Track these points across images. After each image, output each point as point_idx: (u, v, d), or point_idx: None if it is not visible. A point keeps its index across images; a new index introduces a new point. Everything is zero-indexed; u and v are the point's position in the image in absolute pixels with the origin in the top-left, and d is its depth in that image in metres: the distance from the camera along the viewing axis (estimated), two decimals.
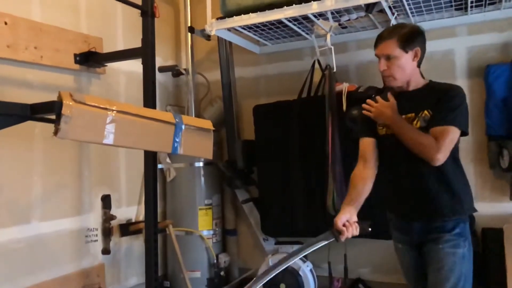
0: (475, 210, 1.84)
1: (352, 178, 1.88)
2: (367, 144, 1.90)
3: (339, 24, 2.94)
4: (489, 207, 2.80)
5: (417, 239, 1.84)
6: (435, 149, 1.67)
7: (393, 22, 2.80)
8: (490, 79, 2.72)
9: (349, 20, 2.85)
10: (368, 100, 1.88)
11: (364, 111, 1.89)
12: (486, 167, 2.80)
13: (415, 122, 1.78)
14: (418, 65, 1.85)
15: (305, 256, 3.05)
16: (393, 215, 1.95)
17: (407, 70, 1.79)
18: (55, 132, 1.71)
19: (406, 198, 1.84)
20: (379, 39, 1.83)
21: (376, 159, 1.89)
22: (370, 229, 1.76)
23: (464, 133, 1.77)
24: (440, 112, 1.73)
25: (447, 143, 1.68)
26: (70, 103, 1.73)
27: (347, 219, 1.71)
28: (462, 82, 2.90)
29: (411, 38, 1.78)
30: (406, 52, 1.77)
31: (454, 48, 2.96)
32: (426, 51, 3.03)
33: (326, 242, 1.73)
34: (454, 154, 1.77)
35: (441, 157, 1.67)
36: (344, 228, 1.68)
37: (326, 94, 2.81)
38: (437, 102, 1.75)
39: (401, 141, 1.76)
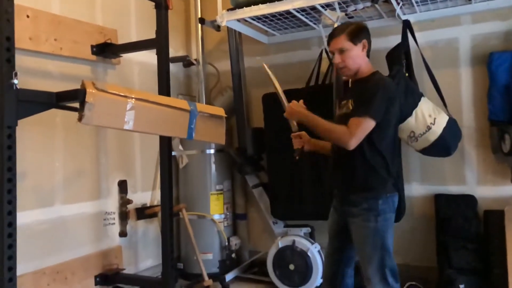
0: (389, 192, 2.01)
1: None
2: None
3: (346, 14, 3.01)
4: (491, 190, 2.90)
5: (340, 208, 2.11)
6: (348, 136, 1.91)
7: (398, 11, 2.88)
8: (493, 66, 2.80)
9: (355, 10, 2.93)
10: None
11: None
12: (488, 152, 2.89)
13: (344, 108, 2.06)
14: (368, 56, 2.10)
15: (313, 238, 3.19)
16: None
17: (357, 60, 2.05)
18: (80, 119, 1.83)
19: (334, 172, 2.15)
20: (331, 37, 2.10)
21: None
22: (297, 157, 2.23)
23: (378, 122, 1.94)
24: (357, 105, 1.97)
25: (359, 131, 1.91)
26: (93, 91, 1.85)
27: (305, 136, 2.23)
28: (465, 69, 2.99)
29: (358, 32, 2.06)
30: (355, 44, 2.04)
31: (459, 36, 3.03)
32: (431, 39, 3.13)
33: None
34: (372, 141, 1.97)
35: (353, 143, 1.92)
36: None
37: (333, 82, 2.91)
38: (357, 94, 2.00)
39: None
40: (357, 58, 2.04)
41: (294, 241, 3.11)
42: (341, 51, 2.04)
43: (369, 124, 1.91)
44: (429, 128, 2.62)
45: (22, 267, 2.43)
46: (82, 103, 1.82)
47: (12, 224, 1.79)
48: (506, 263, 2.59)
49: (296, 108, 2.11)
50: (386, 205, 1.98)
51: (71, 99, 1.99)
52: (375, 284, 1.95)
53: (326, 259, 2.25)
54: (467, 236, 2.81)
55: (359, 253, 2.03)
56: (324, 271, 2.28)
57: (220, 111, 2.47)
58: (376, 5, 2.83)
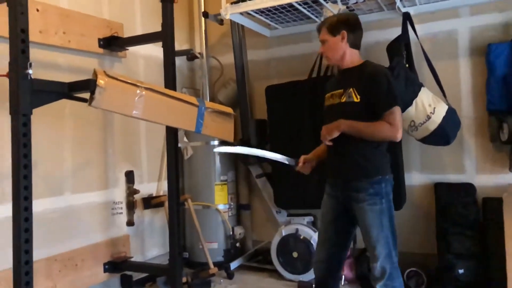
0: (388, 172, 2.13)
1: None
2: None
3: (347, 7, 3.07)
4: (489, 178, 2.97)
5: (341, 194, 2.17)
6: (395, 130, 2.02)
7: (398, 4, 2.94)
8: (491, 57, 2.86)
9: (356, 2, 2.99)
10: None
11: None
12: (487, 141, 2.96)
13: (342, 97, 2.11)
14: (353, 46, 2.17)
15: (315, 227, 3.26)
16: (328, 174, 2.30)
17: (337, 50, 2.16)
18: (90, 102, 1.91)
19: (333, 160, 2.21)
20: (317, 30, 2.24)
21: None
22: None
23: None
24: (380, 99, 2.03)
25: (399, 121, 2.04)
26: (105, 77, 1.93)
27: (308, 160, 2.31)
28: (464, 60, 3.06)
29: (337, 24, 2.16)
30: (334, 35, 2.15)
31: (458, 28, 3.09)
32: (431, 31, 3.18)
33: (285, 162, 2.37)
34: None
35: (400, 135, 2.03)
36: (301, 162, 2.31)
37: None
38: (365, 84, 2.06)
39: (336, 113, 2.11)
40: (336, 48, 2.15)
41: (297, 229, 3.19)
42: (323, 42, 2.20)
43: (400, 112, 2.05)
44: (428, 117, 2.69)
45: (35, 254, 2.45)
46: (93, 91, 1.90)
47: (28, 208, 1.86)
48: (504, 248, 2.66)
49: (327, 130, 2.12)
50: (388, 187, 2.11)
51: (83, 89, 2.06)
52: (381, 260, 2.04)
53: (320, 246, 2.27)
54: (466, 223, 2.88)
55: (366, 235, 2.10)
56: (319, 256, 2.27)
57: (228, 109, 2.55)
58: None
